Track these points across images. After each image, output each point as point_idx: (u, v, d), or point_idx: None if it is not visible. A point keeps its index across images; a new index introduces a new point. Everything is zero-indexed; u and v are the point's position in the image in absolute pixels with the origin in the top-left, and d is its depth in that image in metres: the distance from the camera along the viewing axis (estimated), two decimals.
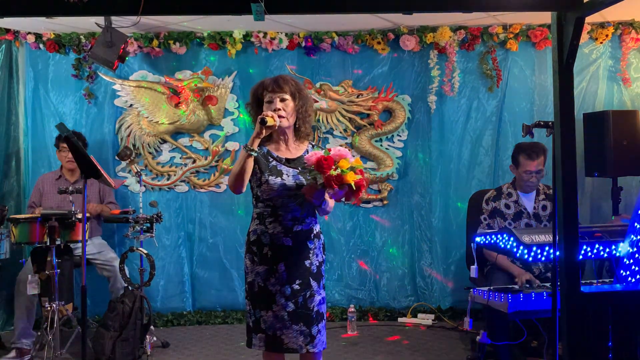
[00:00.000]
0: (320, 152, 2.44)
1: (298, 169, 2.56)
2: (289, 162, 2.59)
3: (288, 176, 2.55)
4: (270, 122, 2.42)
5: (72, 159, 4.26)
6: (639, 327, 2.66)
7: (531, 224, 3.74)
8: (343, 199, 2.44)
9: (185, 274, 4.88)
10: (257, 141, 2.45)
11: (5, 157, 4.68)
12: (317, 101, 4.71)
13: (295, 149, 2.64)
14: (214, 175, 4.86)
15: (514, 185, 3.86)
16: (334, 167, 2.38)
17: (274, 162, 2.58)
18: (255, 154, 2.47)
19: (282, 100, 2.55)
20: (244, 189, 2.52)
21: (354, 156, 4.76)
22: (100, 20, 3.95)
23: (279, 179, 2.54)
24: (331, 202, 2.56)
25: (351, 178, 2.37)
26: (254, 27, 4.60)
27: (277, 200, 2.54)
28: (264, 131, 2.43)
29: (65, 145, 4.27)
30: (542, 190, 3.83)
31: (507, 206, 3.79)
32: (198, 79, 4.77)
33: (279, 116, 2.51)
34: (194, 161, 4.85)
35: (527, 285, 3.36)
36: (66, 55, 4.79)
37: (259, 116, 2.44)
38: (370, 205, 4.90)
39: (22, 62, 4.81)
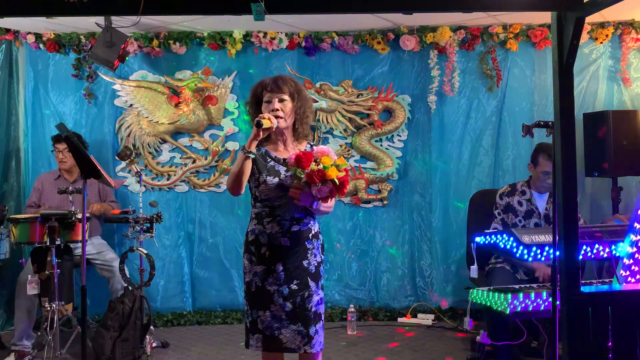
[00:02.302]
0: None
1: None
2: (286, 162, 2.59)
3: (286, 176, 2.55)
4: (266, 124, 2.41)
5: (65, 160, 4.27)
6: (639, 327, 2.65)
7: (540, 224, 3.74)
8: (329, 198, 2.44)
9: (185, 274, 4.88)
10: (255, 143, 2.45)
11: (5, 157, 4.68)
12: (317, 101, 4.71)
13: (293, 150, 2.63)
14: (214, 175, 4.86)
15: (528, 184, 3.85)
16: (314, 162, 2.40)
17: (272, 163, 2.58)
18: (253, 156, 2.47)
19: (281, 100, 2.56)
20: (243, 191, 2.52)
21: (352, 156, 4.83)
22: (100, 20, 3.95)
23: (276, 179, 2.54)
24: (326, 202, 2.54)
25: (333, 173, 2.39)
26: (254, 27, 4.60)
27: (275, 200, 2.55)
28: (260, 133, 2.43)
29: (59, 146, 4.27)
30: None
31: (520, 203, 3.79)
32: (198, 79, 4.77)
33: (277, 117, 2.51)
34: (194, 161, 4.85)
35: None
36: (66, 55, 4.79)
37: (255, 119, 2.44)
38: (370, 205, 4.90)
39: (22, 62, 4.82)
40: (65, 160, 4.31)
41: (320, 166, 2.40)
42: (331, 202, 2.56)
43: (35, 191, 4.40)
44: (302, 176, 2.41)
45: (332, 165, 2.41)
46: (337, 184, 2.41)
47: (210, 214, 4.90)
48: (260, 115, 2.47)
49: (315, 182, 2.38)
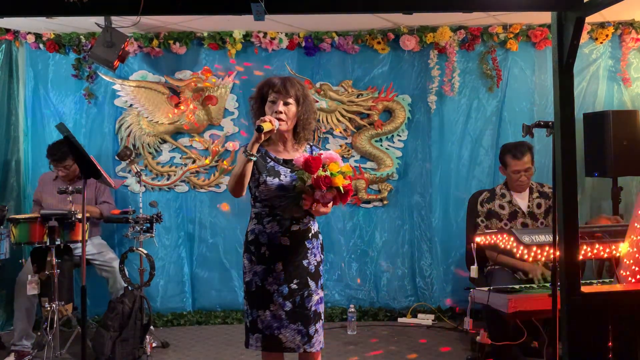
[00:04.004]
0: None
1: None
2: (286, 163, 2.59)
3: (285, 177, 2.55)
4: (267, 127, 2.41)
5: (64, 175, 4.25)
6: (639, 327, 2.65)
7: (527, 222, 3.75)
8: (330, 203, 2.44)
9: (185, 274, 4.88)
10: (256, 146, 2.45)
11: (5, 157, 4.68)
12: (317, 101, 4.71)
13: (293, 151, 2.64)
14: (214, 175, 4.86)
15: (506, 186, 3.87)
16: (322, 168, 2.40)
17: (272, 163, 2.58)
18: (255, 159, 2.46)
19: (286, 104, 2.56)
20: (244, 193, 2.52)
21: (353, 157, 4.82)
22: (100, 20, 3.95)
23: (276, 180, 2.54)
24: (325, 207, 2.54)
25: (340, 181, 2.40)
26: (254, 27, 4.60)
27: (275, 200, 2.55)
28: (262, 137, 2.43)
29: (58, 164, 4.25)
30: (536, 189, 3.84)
31: (502, 207, 3.80)
32: (198, 79, 4.77)
33: (279, 119, 2.52)
34: (194, 161, 4.85)
35: (543, 281, 3.35)
36: (66, 55, 4.79)
37: (256, 123, 2.43)
38: (370, 205, 4.90)
39: (22, 62, 4.81)
40: (64, 175, 4.30)
41: (328, 172, 2.40)
42: (330, 205, 2.56)
43: (38, 189, 4.42)
44: (308, 180, 2.41)
45: (338, 172, 2.41)
46: (342, 192, 2.41)
47: (210, 214, 4.90)
48: (261, 118, 2.46)
49: (321, 188, 2.39)
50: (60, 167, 4.27)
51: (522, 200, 3.81)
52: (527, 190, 3.83)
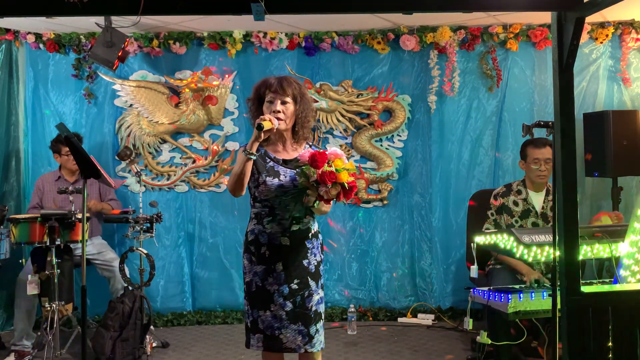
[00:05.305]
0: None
1: (295, 169, 2.57)
2: (285, 163, 2.60)
3: (285, 177, 2.56)
4: (267, 126, 2.42)
5: (64, 156, 4.26)
6: (639, 327, 2.65)
7: (538, 223, 3.73)
8: (334, 199, 2.45)
9: (185, 274, 4.88)
10: (256, 145, 2.45)
11: (5, 157, 4.68)
12: (317, 101, 4.71)
13: (292, 150, 2.64)
14: (214, 175, 4.86)
15: (524, 183, 3.84)
16: (327, 164, 2.40)
17: (271, 163, 2.59)
18: (255, 158, 2.47)
19: (283, 103, 2.56)
20: (244, 192, 2.53)
21: (353, 157, 4.83)
22: (100, 20, 3.95)
23: (276, 180, 2.54)
24: (328, 203, 2.54)
25: (345, 177, 2.40)
26: (254, 27, 4.60)
27: (275, 200, 2.55)
28: (262, 135, 2.43)
29: (67, 149, 4.26)
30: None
31: (516, 203, 3.77)
32: (198, 79, 4.77)
33: (278, 118, 2.52)
34: (194, 161, 4.85)
35: (536, 285, 3.35)
36: (66, 55, 4.79)
37: (256, 121, 2.43)
38: (370, 205, 4.90)
39: (22, 62, 4.81)
40: (64, 160, 4.29)
41: (333, 168, 2.41)
42: (330, 203, 2.57)
43: (36, 192, 4.40)
44: (313, 176, 2.41)
45: (343, 169, 2.42)
46: (347, 188, 2.42)
47: (210, 214, 4.90)
48: (261, 117, 2.46)
49: (326, 184, 2.39)
50: (62, 154, 4.26)
51: (537, 200, 3.78)
52: (544, 190, 3.81)
